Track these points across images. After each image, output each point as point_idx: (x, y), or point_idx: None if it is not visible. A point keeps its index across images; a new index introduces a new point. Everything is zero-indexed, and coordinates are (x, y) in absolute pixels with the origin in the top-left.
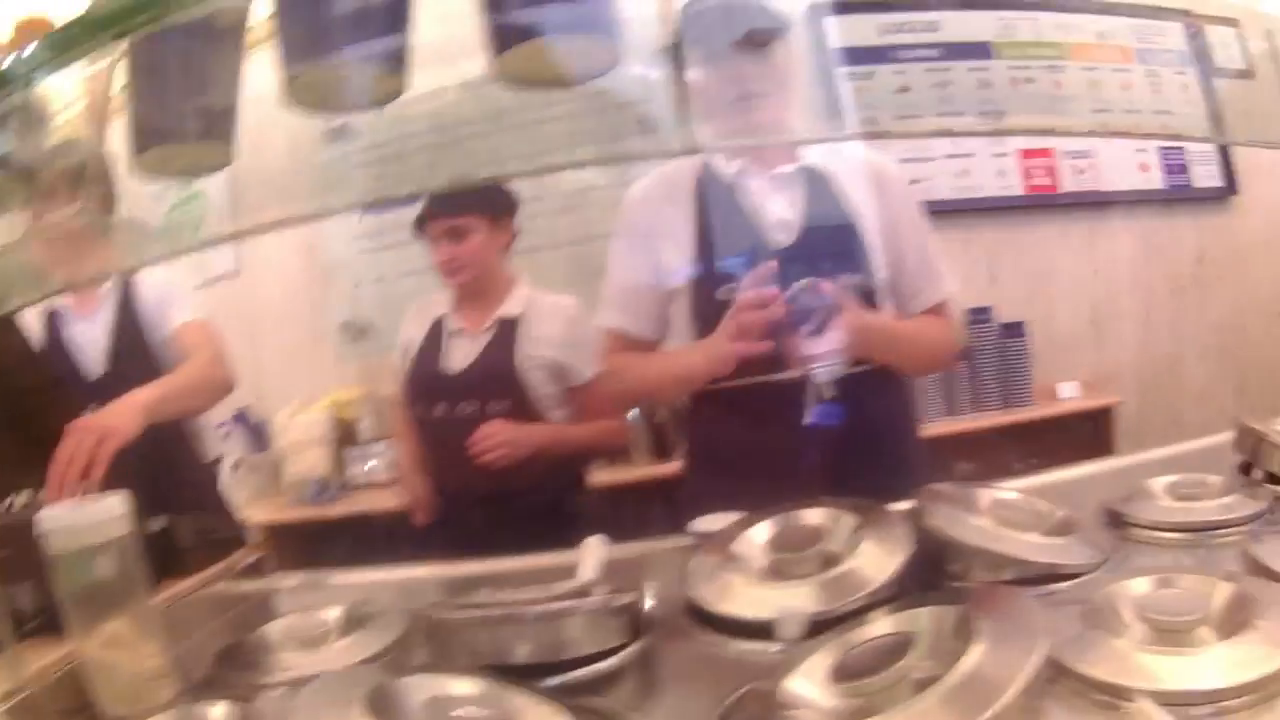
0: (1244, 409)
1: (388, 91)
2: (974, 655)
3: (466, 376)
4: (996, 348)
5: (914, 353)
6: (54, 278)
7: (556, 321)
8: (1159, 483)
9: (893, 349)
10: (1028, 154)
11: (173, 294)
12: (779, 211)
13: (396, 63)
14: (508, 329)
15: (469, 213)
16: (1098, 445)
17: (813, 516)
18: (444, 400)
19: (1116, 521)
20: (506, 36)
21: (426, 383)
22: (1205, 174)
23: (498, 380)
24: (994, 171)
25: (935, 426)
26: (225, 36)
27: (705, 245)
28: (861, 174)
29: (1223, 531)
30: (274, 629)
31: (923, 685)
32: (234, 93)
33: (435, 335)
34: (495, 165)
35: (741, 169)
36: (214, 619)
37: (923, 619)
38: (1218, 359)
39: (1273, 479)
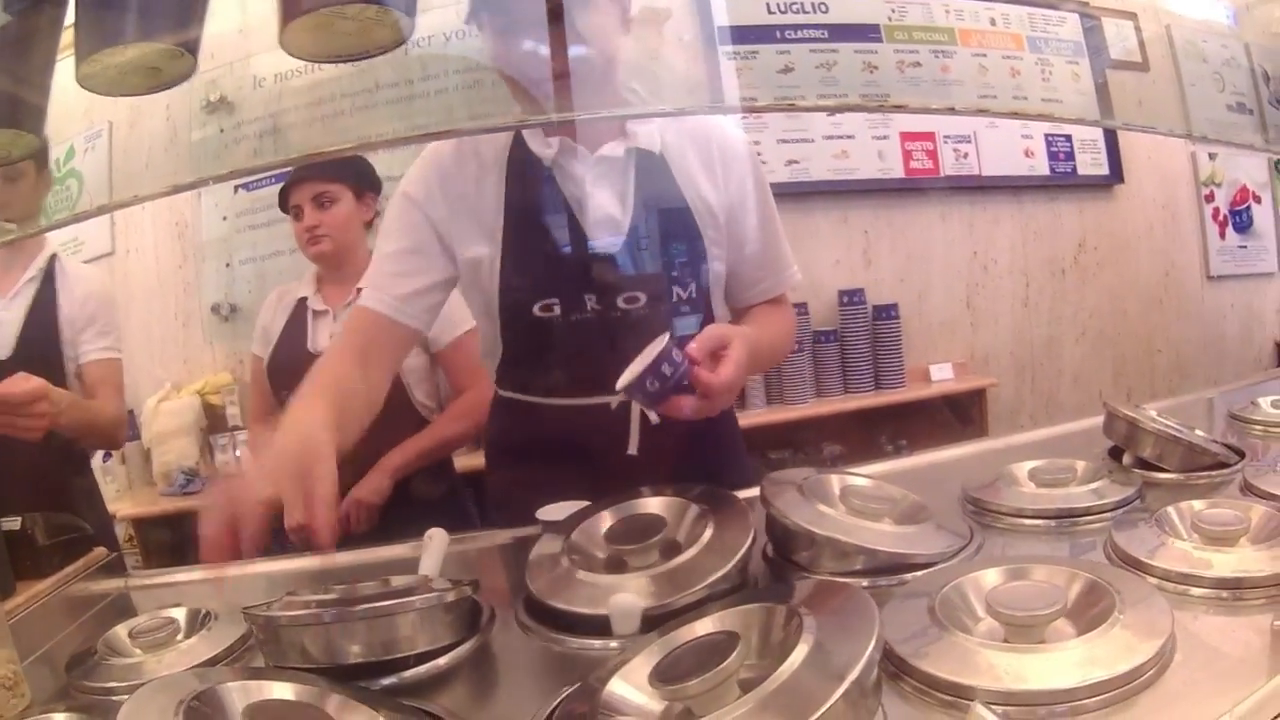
0: (1120, 393)
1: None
2: (797, 657)
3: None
4: (869, 330)
5: (762, 365)
6: None
7: None
8: (1022, 468)
9: (746, 376)
10: (909, 137)
11: (101, 316)
12: (604, 205)
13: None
14: None
15: (336, 180)
16: (971, 427)
17: (655, 505)
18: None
19: (976, 507)
20: (292, 7)
21: (291, 366)
22: (1091, 162)
23: None
24: (874, 153)
25: (805, 408)
26: None
27: (516, 243)
28: (704, 151)
29: (1087, 519)
30: (122, 632)
31: (748, 687)
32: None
33: (299, 317)
34: (366, 135)
35: (562, 150)
36: (70, 622)
37: (753, 616)
38: (1094, 343)
39: (1143, 465)
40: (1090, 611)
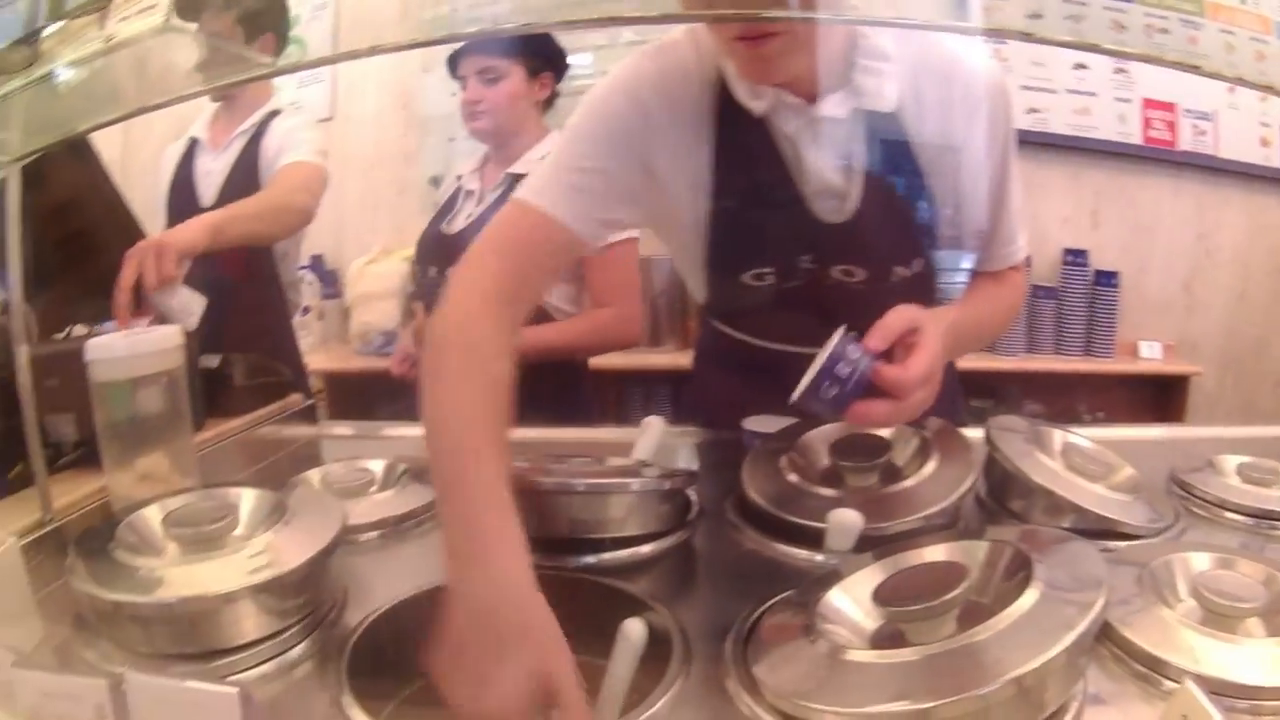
0: None
1: None
2: (1025, 601)
3: (462, 239)
4: (1088, 293)
5: (969, 346)
6: (129, 99)
7: None
8: (1230, 461)
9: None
10: (1150, 104)
11: (292, 139)
12: (824, 171)
13: None
14: (513, 187)
15: (505, 55)
16: (1167, 412)
17: (879, 429)
18: (438, 264)
19: (1182, 490)
20: None
21: (429, 244)
22: None
23: None
24: (1115, 115)
25: (1014, 361)
26: None
27: (727, 206)
28: (945, 102)
29: None
30: (314, 476)
31: (967, 620)
32: None
33: (455, 194)
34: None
35: (776, 104)
36: (257, 463)
37: (978, 552)
38: None
39: None
40: None
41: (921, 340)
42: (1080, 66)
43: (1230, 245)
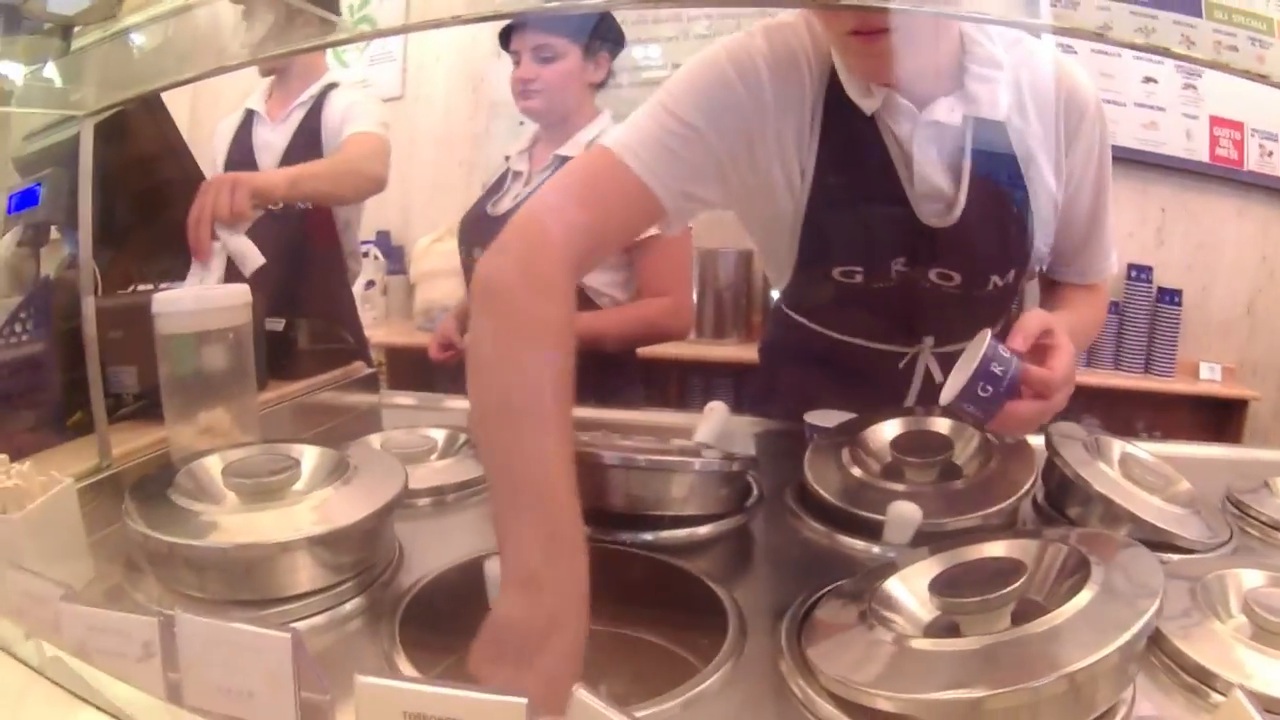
0: None
1: None
2: (1080, 600)
3: (507, 220)
4: (1150, 310)
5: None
6: (203, 59)
7: None
8: None
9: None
10: (1218, 122)
11: (356, 112)
12: (932, 176)
13: None
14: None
15: (561, 33)
16: (1223, 435)
17: (941, 425)
18: (483, 245)
19: (1237, 509)
20: None
21: (472, 225)
22: None
23: None
24: (1182, 131)
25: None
26: None
27: (824, 199)
28: (1048, 114)
29: None
30: (374, 440)
31: (1022, 617)
32: None
33: (503, 177)
34: None
35: (887, 103)
36: (316, 427)
37: (1038, 549)
38: None
39: None
40: None
41: (1058, 341)
42: (1149, 80)
43: None
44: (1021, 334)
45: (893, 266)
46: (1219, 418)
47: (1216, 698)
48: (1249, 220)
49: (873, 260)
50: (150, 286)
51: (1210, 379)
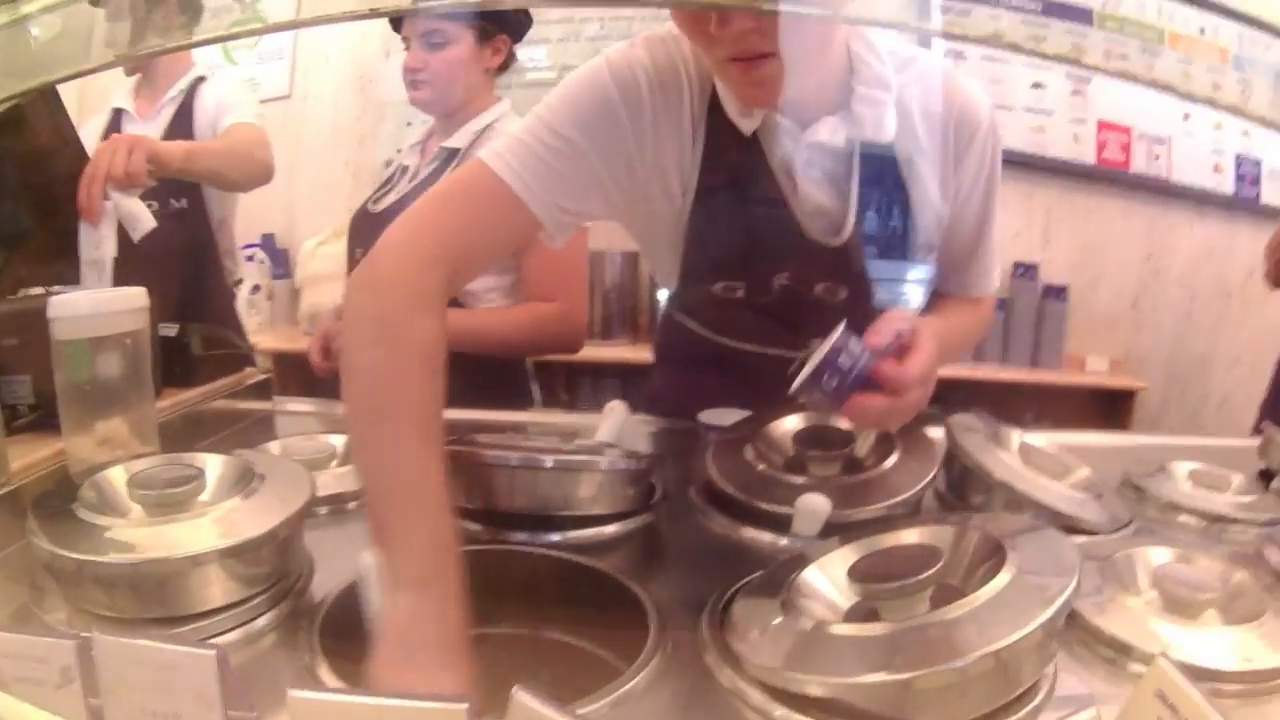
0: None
1: None
2: (1003, 580)
3: (387, 217)
4: (1036, 307)
5: (945, 360)
6: (101, 52)
7: None
8: (1182, 467)
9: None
10: (1105, 126)
11: (230, 102)
12: (816, 197)
13: None
14: (448, 161)
15: (454, 18)
16: (1112, 425)
17: (843, 422)
18: (363, 244)
19: (1136, 494)
20: None
21: (359, 220)
22: (1276, 193)
23: None
24: (1069, 135)
25: (960, 369)
26: None
27: (704, 218)
28: (939, 132)
29: (1238, 528)
30: (274, 448)
31: (940, 601)
32: None
33: (393, 172)
34: None
35: (766, 124)
36: (212, 435)
37: (952, 535)
38: (1247, 373)
39: None
40: (1243, 608)
41: (919, 342)
42: (1037, 86)
43: (1178, 266)
44: (878, 330)
45: (775, 282)
46: (1107, 408)
47: (1135, 668)
48: (1135, 219)
49: (755, 276)
50: (41, 291)
51: (1097, 370)
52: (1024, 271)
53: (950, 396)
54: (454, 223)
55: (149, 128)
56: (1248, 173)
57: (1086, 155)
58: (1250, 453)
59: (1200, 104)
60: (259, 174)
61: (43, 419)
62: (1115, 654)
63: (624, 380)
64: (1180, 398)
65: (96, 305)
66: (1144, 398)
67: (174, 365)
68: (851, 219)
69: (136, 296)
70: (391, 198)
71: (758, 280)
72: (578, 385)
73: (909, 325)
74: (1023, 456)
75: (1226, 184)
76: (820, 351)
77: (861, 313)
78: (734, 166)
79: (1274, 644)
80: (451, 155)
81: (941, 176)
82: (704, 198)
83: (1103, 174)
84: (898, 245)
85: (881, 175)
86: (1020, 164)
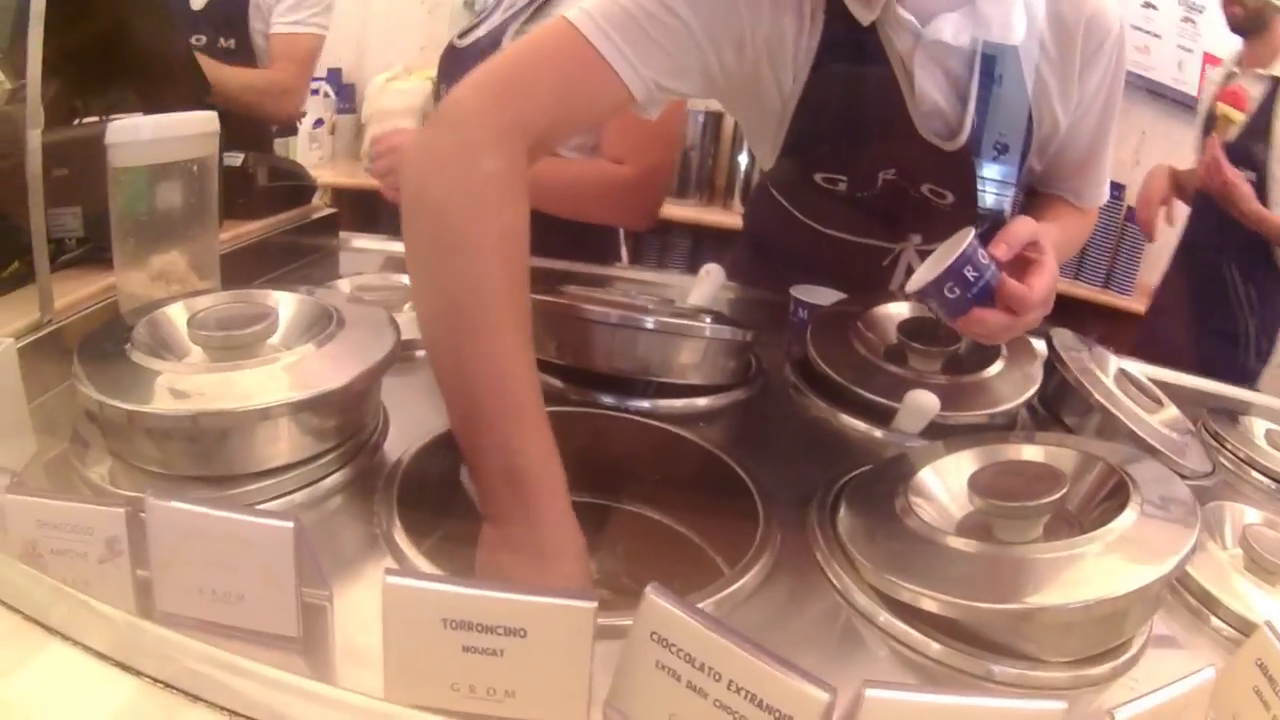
0: None
1: None
2: (1128, 519)
3: (473, 51)
4: (1118, 227)
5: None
6: None
7: None
8: (1259, 425)
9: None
10: (1211, 59)
11: None
12: (934, 97)
13: None
14: None
15: None
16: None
17: None
18: (447, 81)
19: (1215, 441)
20: None
21: (446, 54)
22: None
23: None
24: (1174, 61)
25: None
26: None
27: (814, 103)
28: (1067, 40)
29: None
30: (344, 285)
31: (1054, 528)
32: None
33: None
34: None
35: (886, 16)
36: (275, 269)
37: (1070, 460)
38: None
39: None
40: None
41: (1044, 261)
42: (1148, 5)
43: None
44: (1007, 241)
45: (880, 177)
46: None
47: (1216, 621)
48: None
49: (860, 171)
50: (95, 120)
51: None
52: (1110, 191)
53: None
54: (537, 105)
55: None
56: None
57: (1188, 85)
58: None
59: None
60: (283, 108)
61: (92, 252)
62: (1200, 605)
63: (695, 241)
64: None
65: (160, 130)
66: None
67: (238, 197)
68: (969, 124)
69: (207, 121)
70: (481, 31)
71: (862, 175)
72: (645, 241)
73: (1035, 236)
74: (1119, 383)
75: None
76: (945, 258)
77: (967, 216)
78: (850, 57)
79: None
80: None
81: (1064, 85)
82: (815, 87)
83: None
84: (1013, 153)
85: (1004, 79)
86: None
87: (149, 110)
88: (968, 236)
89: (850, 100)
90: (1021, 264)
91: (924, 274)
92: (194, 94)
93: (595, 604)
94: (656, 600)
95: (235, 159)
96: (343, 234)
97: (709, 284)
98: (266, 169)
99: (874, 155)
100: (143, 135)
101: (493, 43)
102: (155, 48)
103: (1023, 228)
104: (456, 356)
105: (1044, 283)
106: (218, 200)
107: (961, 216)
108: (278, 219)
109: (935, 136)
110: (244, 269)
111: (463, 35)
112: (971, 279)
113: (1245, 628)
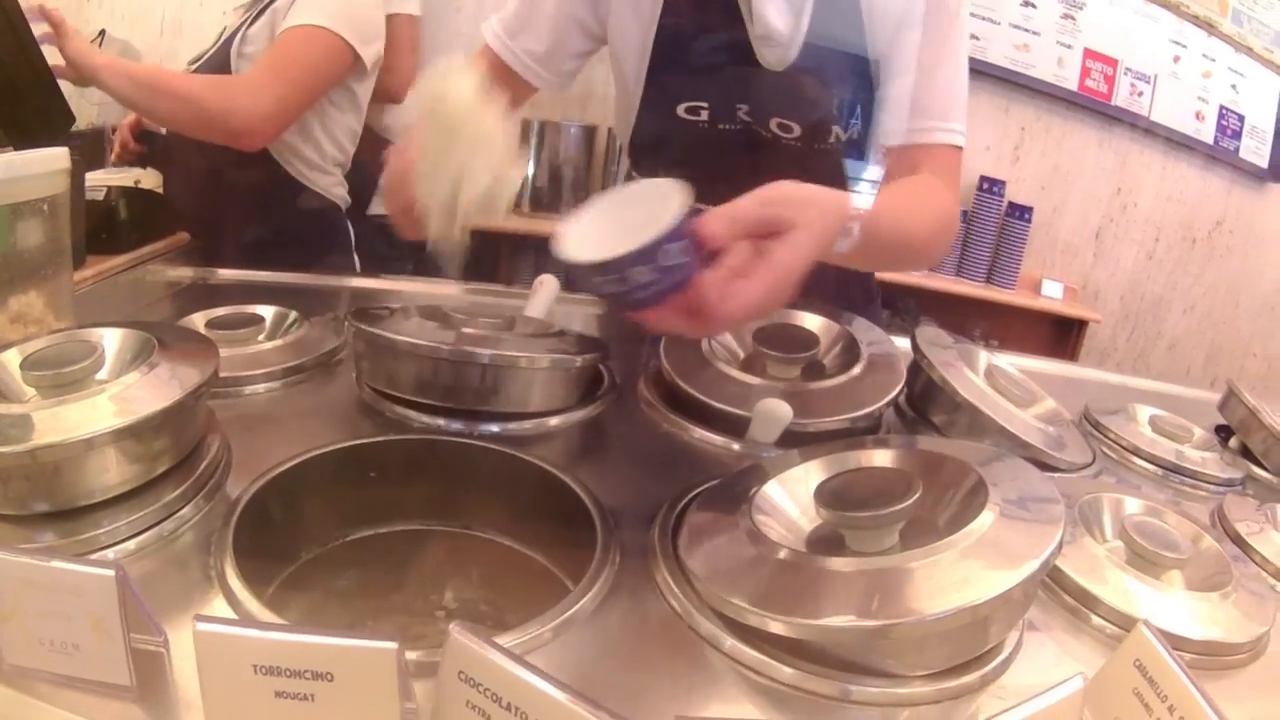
0: (1206, 379)
1: None
2: (985, 520)
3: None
4: (998, 223)
5: (881, 257)
6: None
7: None
8: (1143, 411)
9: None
10: (1092, 55)
11: None
12: (770, 13)
13: None
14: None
15: None
16: (1061, 352)
17: (809, 322)
18: None
19: (1096, 431)
20: None
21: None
22: (1255, 150)
23: None
24: (1054, 58)
25: (914, 277)
26: None
27: (671, 34)
28: None
29: (1193, 482)
30: (199, 320)
31: (911, 534)
32: None
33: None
34: None
35: None
36: (139, 304)
37: (921, 462)
38: (1200, 321)
39: (1246, 452)
40: (1205, 575)
41: (774, 257)
42: (1028, 4)
43: (1146, 205)
44: (726, 220)
45: (736, 110)
46: (1058, 335)
47: (1097, 620)
48: (1108, 153)
49: (715, 98)
50: None
51: (1051, 296)
52: (989, 186)
53: (900, 304)
54: None
55: None
56: (1230, 125)
57: (1069, 81)
58: (1202, 404)
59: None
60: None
61: None
62: (1078, 603)
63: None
64: (1131, 335)
65: (12, 168)
66: (1095, 329)
67: (101, 232)
68: (799, 41)
69: (56, 158)
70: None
71: (719, 103)
72: (518, 260)
73: (782, 221)
74: (989, 379)
75: (1206, 133)
76: (643, 225)
77: (819, 157)
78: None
79: (1237, 616)
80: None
81: (901, 9)
82: (669, 11)
83: (1083, 102)
84: (851, 77)
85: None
86: (1000, 79)
87: (17, 145)
88: (678, 207)
89: (701, 27)
90: (755, 256)
91: (594, 239)
92: (61, 124)
93: (396, 645)
94: (460, 639)
95: (98, 192)
96: (205, 268)
97: (543, 295)
98: (126, 201)
99: (726, 81)
100: None
101: None
102: (15, 78)
103: (770, 197)
104: None
105: (751, 292)
106: (70, 237)
107: (816, 161)
108: (140, 252)
109: (772, 60)
110: (108, 305)
111: None
112: (673, 264)
113: (1128, 624)
